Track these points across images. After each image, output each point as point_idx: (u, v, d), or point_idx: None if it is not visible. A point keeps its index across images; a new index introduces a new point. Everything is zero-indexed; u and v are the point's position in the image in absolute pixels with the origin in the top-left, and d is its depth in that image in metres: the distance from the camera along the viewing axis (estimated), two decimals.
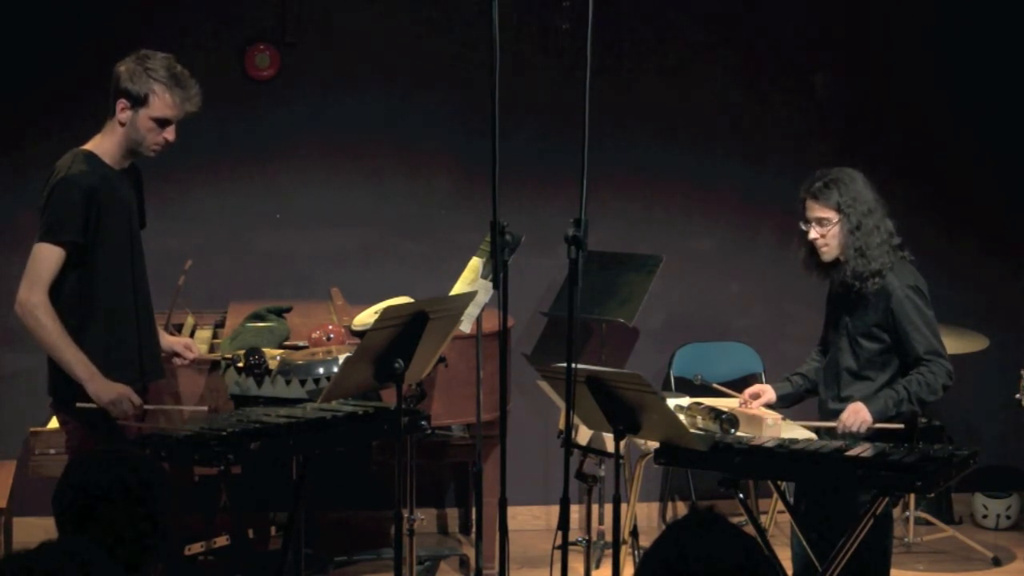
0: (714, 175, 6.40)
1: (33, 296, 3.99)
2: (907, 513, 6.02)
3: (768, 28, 6.41)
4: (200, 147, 5.65)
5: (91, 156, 4.10)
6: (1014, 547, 6.12)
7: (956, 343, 5.53)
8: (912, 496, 5.79)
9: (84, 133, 4.21)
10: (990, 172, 6.54)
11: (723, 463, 3.92)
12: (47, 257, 4.01)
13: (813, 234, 4.40)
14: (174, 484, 3.55)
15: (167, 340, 4.47)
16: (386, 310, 3.88)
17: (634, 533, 4.93)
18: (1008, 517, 6.40)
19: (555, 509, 3.80)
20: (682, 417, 4.24)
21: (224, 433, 3.81)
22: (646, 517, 6.39)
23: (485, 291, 4.61)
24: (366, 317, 4.95)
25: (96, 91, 4.28)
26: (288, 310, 5.41)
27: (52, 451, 4.73)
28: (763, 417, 4.45)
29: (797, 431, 4.40)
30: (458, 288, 4.82)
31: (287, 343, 5.00)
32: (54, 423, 4.63)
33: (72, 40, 5.83)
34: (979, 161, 6.53)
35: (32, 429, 4.84)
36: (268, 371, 4.55)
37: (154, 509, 2.46)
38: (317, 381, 4.51)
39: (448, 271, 5.12)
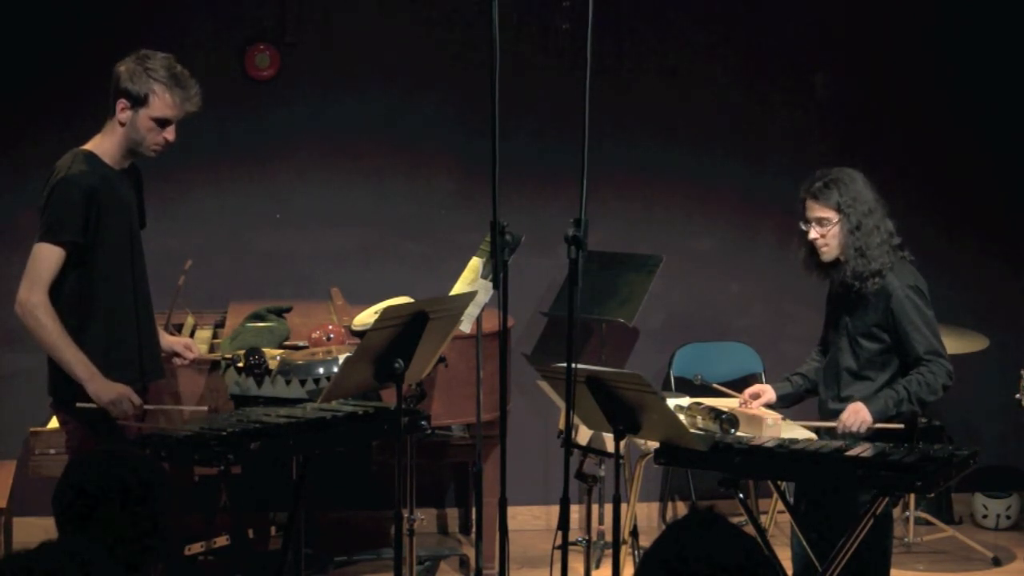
0: (714, 175, 6.39)
1: (33, 296, 3.99)
2: (907, 513, 6.02)
3: (768, 28, 6.41)
4: (200, 147, 5.65)
5: (91, 156, 4.10)
6: (1014, 547, 6.12)
7: (956, 343, 5.53)
8: (912, 496, 5.78)
9: (84, 133, 4.20)
10: (990, 172, 6.54)
11: (723, 463, 3.92)
12: (47, 257, 4.01)
13: (813, 234, 4.40)
14: (174, 484, 3.55)
15: (167, 340, 4.46)
16: (386, 310, 3.87)
17: (634, 533, 4.92)
18: (1008, 517, 6.39)
19: (555, 509, 3.80)
20: (682, 417, 4.24)
21: (224, 433, 3.80)
22: (646, 517, 6.39)
23: (485, 291, 4.61)
24: (366, 317, 4.95)
25: (96, 91, 4.28)
26: (288, 310, 5.40)
27: (52, 451, 4.73)
28: (763, 417, 4.45)
29: (797, 431, 4.39)
30: (458, 288, 4.81)
31: (287, 343, 5.00)
32: (54, 423, 4.63)
33: (72, 40, 5.82)
34: (979, 161, 6.53)
35: (32, 429, 4.84)
36: (268, 371, 4.54)
37: (154, 509, 2.46)
38: (317, 381, 4.50)
39: (448, 271, 5.12)
